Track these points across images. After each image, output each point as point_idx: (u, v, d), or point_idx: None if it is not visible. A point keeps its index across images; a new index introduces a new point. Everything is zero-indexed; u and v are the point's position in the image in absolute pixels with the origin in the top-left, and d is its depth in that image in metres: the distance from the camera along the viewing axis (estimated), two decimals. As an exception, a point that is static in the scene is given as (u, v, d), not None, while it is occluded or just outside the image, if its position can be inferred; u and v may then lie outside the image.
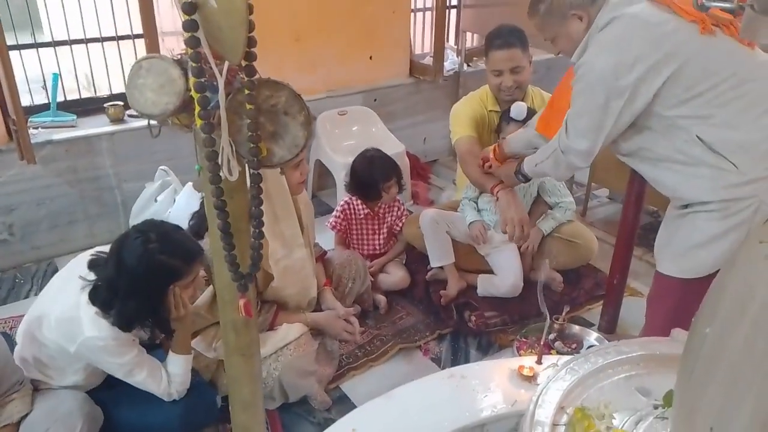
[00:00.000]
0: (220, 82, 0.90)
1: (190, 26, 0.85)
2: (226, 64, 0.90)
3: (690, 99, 1.60)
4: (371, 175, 2.73)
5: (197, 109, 0.91)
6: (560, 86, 2.06)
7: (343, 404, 2.11)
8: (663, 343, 1.20)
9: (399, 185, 2.79)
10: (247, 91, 0.93)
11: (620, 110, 1.64)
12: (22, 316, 1.93)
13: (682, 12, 1.60)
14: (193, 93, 0.91)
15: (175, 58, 0.96)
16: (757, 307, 0.72)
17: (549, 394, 1.06)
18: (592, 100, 1.67)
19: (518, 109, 2.44)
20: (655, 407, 1.05)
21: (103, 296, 1.72)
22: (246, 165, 1.01)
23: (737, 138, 1.59)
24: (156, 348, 2.00)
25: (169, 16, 3.25)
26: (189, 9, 0.84)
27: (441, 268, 2.67)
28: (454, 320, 2.56)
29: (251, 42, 0.88)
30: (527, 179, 2.21)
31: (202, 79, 0.89)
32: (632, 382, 1.13)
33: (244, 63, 0.91)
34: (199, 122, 0.93)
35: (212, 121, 0.93)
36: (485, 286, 2.63)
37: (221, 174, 0.97)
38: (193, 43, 0.86)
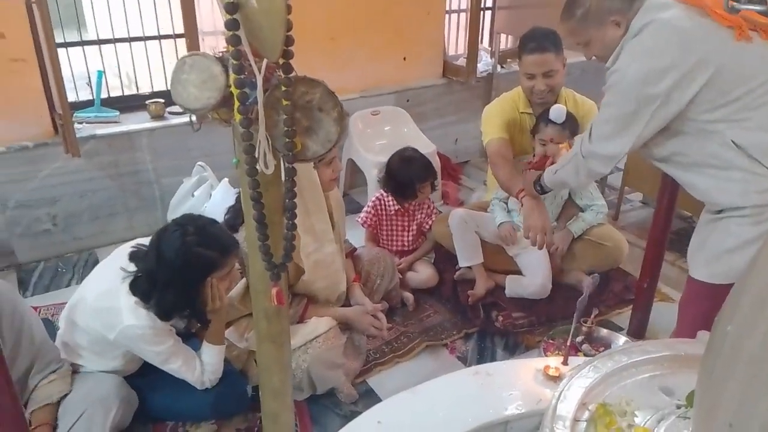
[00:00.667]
0: (259, 79, 0.94)
1: (231, 25, 0.90)
2: (265, 61, 0.95)
3: (725, 104, 1.58)
4: (408, 175, 2.77)
5: (236, 104, 0.96)
6: None
7: (369, 398, 2.15)
8: (688, 344, 1.20)
9: (433, 186, 2.82)
10: (284, 88, 0.97)
11: (650, 117, 1.63)
12: (64, 303, 2.02)
13: (718, 17, 1.57)
14: (233, 89, 0.95)
15: (216, 56, 1.01)
16: (778, 305, 0.73)
17: (572, 390, 1.08)
18: (622, 107, 1.66)
19: (558, 112, 2.44)
20: (678, 407, 1.06)
21: (143, 287, 1.79)
22: (281, 159, 1.05)
23: None
24: (191, 337, 2.07)
25: (209, 17, 3.34)
26: (231, 8, 0.88)
27: (469, 267, 2.68)
28: (481, 320, 2.58)
29: (289, 41, 0.92)
30: (544, 191, 2.18)
31: (242, 76, 0.94)
32: (656, 382, 1.14)
33: (281, 61, 0.95)
34: (238, 117, 0.98)
35: (250, 116, 0.98)
36: (513, 286, 2.63)
37: (258, 167, 1.01)
38: (234, 41, 0.91)
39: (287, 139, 1.00)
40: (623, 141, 1.70)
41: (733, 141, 1.58)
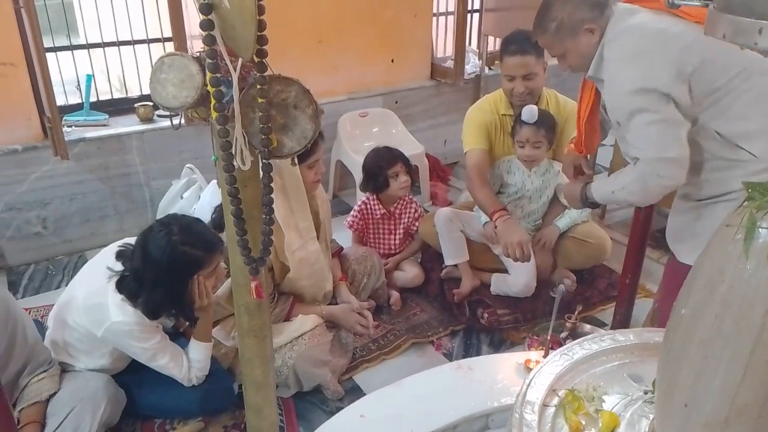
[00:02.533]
0: (234, 77, 0.98)
1: (206, 25, 0.93)
2: (240, 60, 0.98)
3: (710, 93, 1.61)
4: (377, 163, 2.79)
5: (213, 102, 0.99)
6: (580, 104, 1.97)
7: (356, 394, 2.16)
8: (657, 333, 1.24)
9: (410, 176, 2.82)
10: (259, 86, 1.00)
11: (674, 108, 1.60)
12: (54, 305, 2.03)
13: (685, 15, 1.62)
14: (209, 87, 0.99)
15: (194, 56, 1.04)
16: (726, 287, 0.77)
17: (542, 377, 1.11)
18: (626, 107, 1.64)
19: (529, 113, 2.47)
20: (645, 392, 1.10)
21: (130, 286, 1.82)
22: (258, 156, 1.08)
23: (752, 128, 1.61)
24: (179, 337, 2.10)
25: (196, 21, 3.35)
26: (206, 9, 0.92)
27: (455, 266, 2.72)
28: (466, 317, 2.61)
29: (262, 40, 0.95)
30: (596, 205, 2.04)
31: (218, 75, 0.97)
32: (625, 369, 1.18)
33: (256, 59, 0.98)
34: (214, 114, 1.01)
35: (227, 113, 1.01)
36: (499, 284, 2.67)
37: (235, 163, 1.05)
38: (209, 41, 0.94)
39: (263, 136, 1.04)
40: (678, 139, 1.62)
41: (716, 131, 1.62)
